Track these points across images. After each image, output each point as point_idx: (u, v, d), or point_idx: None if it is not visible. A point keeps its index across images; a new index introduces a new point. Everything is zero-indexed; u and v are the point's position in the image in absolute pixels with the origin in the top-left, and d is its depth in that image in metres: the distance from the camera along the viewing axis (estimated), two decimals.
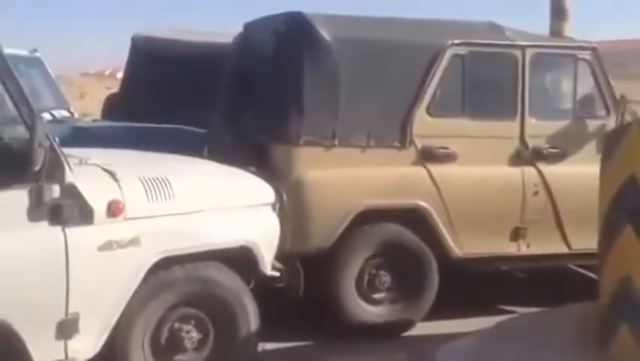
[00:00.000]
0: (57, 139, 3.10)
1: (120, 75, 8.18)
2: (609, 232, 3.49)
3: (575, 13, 8.16)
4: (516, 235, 4.77)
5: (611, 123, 4.81)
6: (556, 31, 7.82)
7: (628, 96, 5.12)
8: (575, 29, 7.90)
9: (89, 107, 12.27)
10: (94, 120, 7.40)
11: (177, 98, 5.87)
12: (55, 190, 3.07)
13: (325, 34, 4.43)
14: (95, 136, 5.51)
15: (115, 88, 8.08)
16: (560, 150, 4.84)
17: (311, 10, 4.59)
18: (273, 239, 3.82)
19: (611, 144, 3.56)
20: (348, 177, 4.45)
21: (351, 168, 4.46)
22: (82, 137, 5.03)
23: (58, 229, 3.09)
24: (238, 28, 5.26)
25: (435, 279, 4.62)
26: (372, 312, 4.59)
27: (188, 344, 3.51)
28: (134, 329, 3.37)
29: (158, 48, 6.42)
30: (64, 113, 6.67)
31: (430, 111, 4.63)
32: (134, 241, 3.28)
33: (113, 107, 6.82)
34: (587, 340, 3.56)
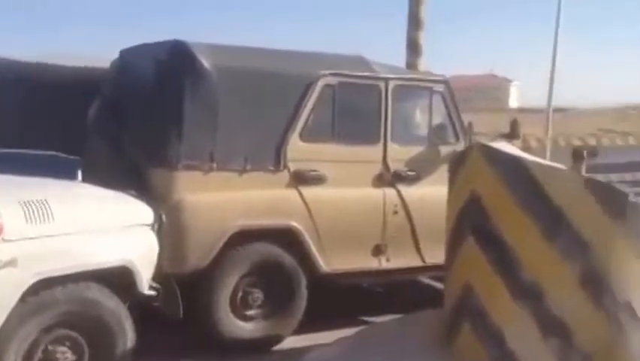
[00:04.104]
0: None
1: None
2: (454, 243, 3.93)
3: (428, 48, 8.97)
4: (377, 250, 5.12)
5: (460, 148, 5.25)
6: (411, 65, 8.51)
7: (474, 127, 5.71)
8: (428, 64, 8.67)
9: None
10: None
11: (46, 124, 5.76)
12: None
13: (205, 62, 4.59)
14: None
15: None
16: (417, 172, 5.28)
17: None
18: (152, 259, 3.91)
19: (456, 166, 4.01)
20: (225, 200, 4.60)
21: (228, 191, 4.62)
22: None
23: None
24: None
25: (304, 294, 4.86)
26: (244, 328, 4.75)
27: None
28: (7, 352, 3.34)
29: (24, 72, 6.26)
30: None
31: (302, 137, 4.89)
32: (11, 263, 3.29)
33: None
34: (435, 341, 3.96)
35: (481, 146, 3.93)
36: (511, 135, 11.03)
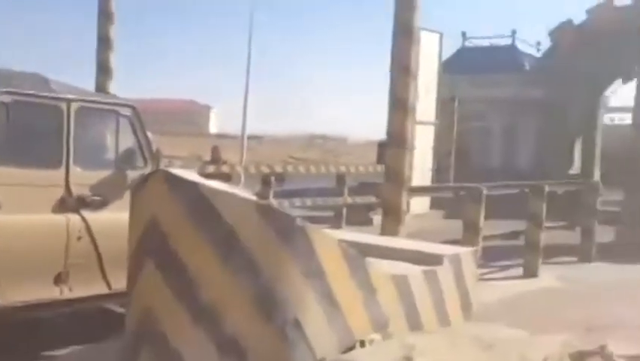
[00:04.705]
0: None
1: None
2: (135, 268, 3.93)
3: (120, 71, 8.86)
4: (59, 279, 4.88)
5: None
6: (101, 88, 8.31)
7: (166, 150, 5.77)
8: (121, 87, 8.55)
9: None
10: None
11: None
12: None
13: None
14: None
15: None
16: (104, 197, 5.15)
17: None
18: None
19: (137, 190, 4.03)
20: None
21: None
22: None
23: None
24: None
25: None
26: None
27: None
28: None
29: None
30: None
31: None
32: None
33: None
34: None
35: (161, 171, 4.00)
36: (213, 161, 11.41)
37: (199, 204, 3.75)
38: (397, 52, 6.88)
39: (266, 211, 3.79)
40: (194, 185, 3.84)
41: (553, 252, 9.68)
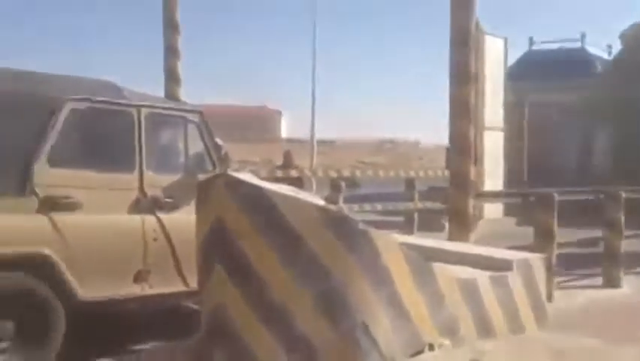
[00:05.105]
0: None
1: None
2: (204, 268, 4.02)
3: (189, 78, 9.08)
4: (139, 277, 5.05)
5: None
6: (171, 94, 8.51)
7: (240, 155, 5.85)
8: (191, 94, 8.70)
9: None
10: None
11: None
12: None
13: None
14: None
15: None
16: (175, 200, 5.28)
17: None
18: None
19: (203, 192, 4.12)
20: None
21: None
22: None
23: None
24: None
25: (61, 325, 4.63)
26: None
27: None
28: None
29: None
30: None
31: (51, 162, 4.68)
32: None
33: None
34: None
35: (224, 175, 4.08)
36: (285, 165, 11.50)
37: (263, 207, 3.80)
38: (454, 56, 6.74)
39: (330, 216, 3.80)
40: (257, 188, 3.90)
41: (636, 262, 9.24)
